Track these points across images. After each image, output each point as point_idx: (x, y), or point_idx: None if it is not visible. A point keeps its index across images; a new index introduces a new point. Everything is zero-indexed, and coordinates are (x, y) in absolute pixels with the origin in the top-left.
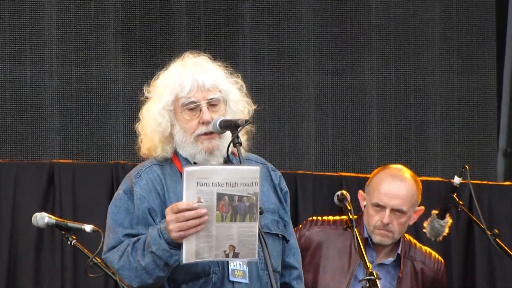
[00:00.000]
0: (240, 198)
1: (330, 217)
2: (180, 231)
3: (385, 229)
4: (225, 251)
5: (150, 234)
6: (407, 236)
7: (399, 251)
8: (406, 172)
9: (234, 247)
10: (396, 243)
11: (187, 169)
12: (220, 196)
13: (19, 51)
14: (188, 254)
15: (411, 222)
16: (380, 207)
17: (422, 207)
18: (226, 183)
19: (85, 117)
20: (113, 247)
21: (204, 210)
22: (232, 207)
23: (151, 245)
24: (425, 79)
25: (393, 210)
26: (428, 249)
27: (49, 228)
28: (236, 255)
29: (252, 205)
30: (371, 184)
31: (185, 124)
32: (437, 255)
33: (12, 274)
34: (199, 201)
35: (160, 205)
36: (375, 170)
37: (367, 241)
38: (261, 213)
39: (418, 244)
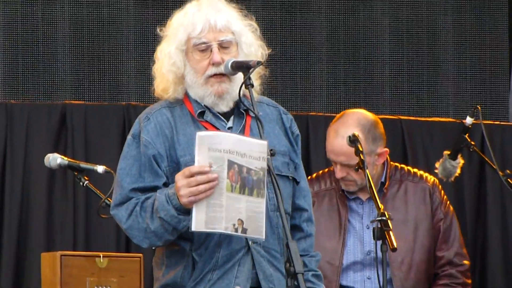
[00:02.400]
0: (248, 170)
1: (314, 175)
2: (191, 196)
3: (345, 180)
4: (234, 225)
5: (158, 199)
6: (396, 164)
7: (382, 179)
8: (352, 123)
9: (242, 221)
10: (382, 173)
11: (199, 134)
12: (230, 164)
13: None
14: (197, 222)
15: (378, 163)
16: (332, 161)
17: (386, 149)
18: (236, 152)
19: (97, 58)
20: (121, 203)
21: (215, 175)
22: (241, 178)
23: (159, 210)
24: (437, 19)
25: (343, 165)
26: (419, 171)
27: (61, 169)
28: (244, 231)
29: (260, 181)
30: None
31: (195, 64)
32: (427, 175)
33: (25, 215)
34: (210, 167)
35: (167, 149)
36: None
37: (344, 191)
38: (272, 154)
39: (408, 168)
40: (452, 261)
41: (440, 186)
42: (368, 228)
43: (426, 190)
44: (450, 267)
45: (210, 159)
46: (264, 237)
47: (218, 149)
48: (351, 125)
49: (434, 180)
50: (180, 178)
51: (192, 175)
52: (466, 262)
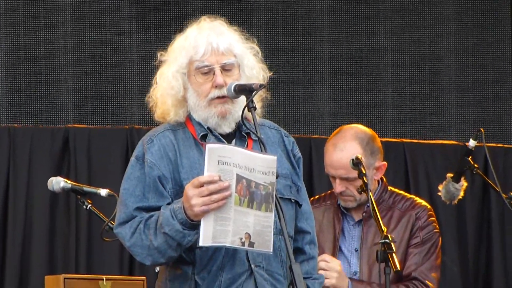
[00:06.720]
0: (257, 185)
1: (316, 196)
2: (203, 205)
3: (344, 195)
4: (241, 239)
5: (162, 214)
6: (393, 189)
7: (368, 204)
8: (350, 137)
9: (249, 235)
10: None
11: (209, 146)
12: (239, 178)
13: (33, 17)
14: (205, 237)
15: (376, 177)
16: (331, 176)
17: (384, 163)
18: (245, 166)
19: (99, 82)
20: (125, 222)
21: (227, 183)
22: (249, 192)
23: (163, 226)
24: (439, 42)
25: (342, 179)
26: (414, 198)
27: (64, 192)
28: (251, 245)
29: (268, 195)
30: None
31: (198, 87)
32: (418, 200)
33: (27, 238)
34: (219, 179)
35: (171, 171)
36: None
37: (340, 208)
38: (276, 177)
39: (404, 194)
40: (416, 277)
41: (429, 212)
42: (356, 251)
43: (411, 217)
44: (412, 281)
45: (219, 172)
46: (271, 250)
47: (228, 163)
48: (349, 139)
49: (424, 206)
50: (190, 188)
51: (201, 185)
52: (430, 284)
